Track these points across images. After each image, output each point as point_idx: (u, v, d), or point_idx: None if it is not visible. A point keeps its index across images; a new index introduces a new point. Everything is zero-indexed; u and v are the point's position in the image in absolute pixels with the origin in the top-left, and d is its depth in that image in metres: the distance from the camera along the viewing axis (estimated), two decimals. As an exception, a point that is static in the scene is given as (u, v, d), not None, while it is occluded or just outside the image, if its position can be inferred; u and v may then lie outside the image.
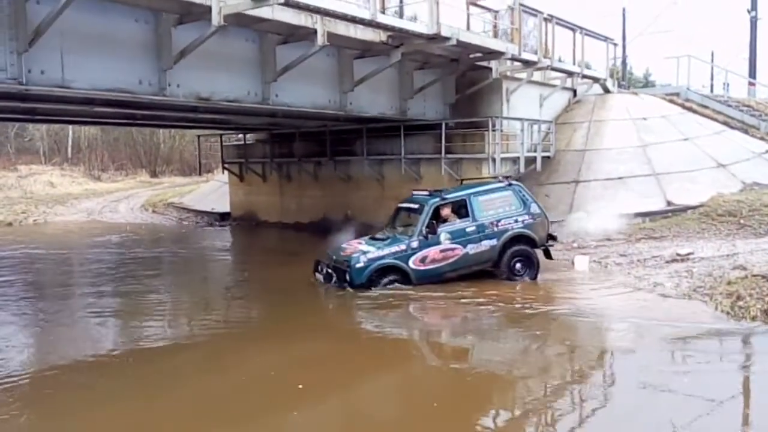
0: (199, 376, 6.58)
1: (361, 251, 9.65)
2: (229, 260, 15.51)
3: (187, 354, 7.36)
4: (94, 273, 12.61)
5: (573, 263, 11.26)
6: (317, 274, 10.19)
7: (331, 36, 9.87)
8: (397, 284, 9.53)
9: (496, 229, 10.03)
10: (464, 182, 11.43)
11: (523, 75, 14.90)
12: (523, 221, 10.22)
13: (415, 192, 10.95)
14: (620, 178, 14.70)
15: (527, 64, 14.27)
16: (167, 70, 9.26)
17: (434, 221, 9.74)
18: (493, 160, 14.18)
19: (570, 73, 16.68)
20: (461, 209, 10.09)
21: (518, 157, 14.87)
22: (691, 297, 8.75)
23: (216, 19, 8.17)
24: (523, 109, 15.49)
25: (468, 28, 13.92)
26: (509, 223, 10.12)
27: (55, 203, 24.71)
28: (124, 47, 8.85)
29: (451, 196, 10.19)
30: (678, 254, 10.94)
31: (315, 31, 9.66)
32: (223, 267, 14.44)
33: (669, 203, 13.86)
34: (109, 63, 8.73)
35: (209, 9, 8.17)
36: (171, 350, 7.53)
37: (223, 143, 21.23)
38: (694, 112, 17.73)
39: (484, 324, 8.20)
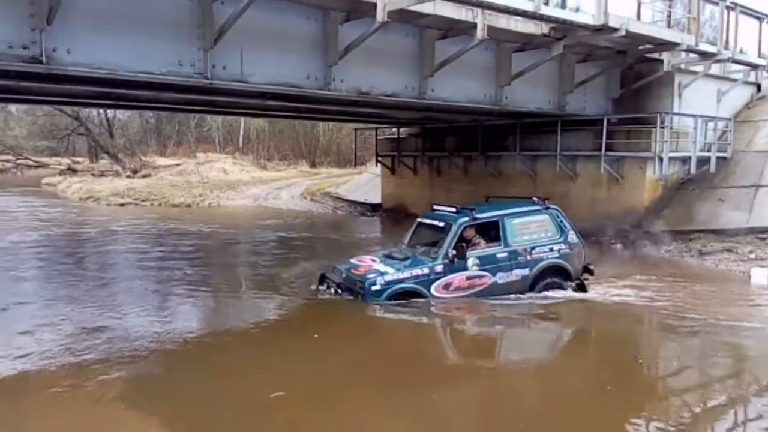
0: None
1: (378, 272, 8.43)
2: (374, 248, 15.92)
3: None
4: (254, 250, 13.72)
5: (749, 275, 10.18)
6: (322, 289, 9.06)
7: (491, 29, 9.77)
8: None
9: (529, 257, 8.83)
10: (490, 199, 10.26)
11: (699, 68, 13.68)
12: (559, 250, 9.02)
13: (437, 207, 9.58)
14: (812, 183, 13.00)
15: (704, 56, 13.05)
16: (332, 65, 9.75)
17: (463, 243, 8.53)
18: (660, 159, 13.22)
19: (754, 66, 15.02)
20: (491, 231, 8.86)
21: (689, 157, 13.74)
22: None
23: (380, 16, 8.44)
24: (696, 104, 14.23)
25: (638, 17, 13.03)
26: (544, 252, 8.93)
27: (227, 188, 27.08)
28: (295, 44, 9.45)
29: (483, 215, 8.87)
30: None
31: (475, 25, 9.64)
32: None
33: None
34: (281, 59, 9.38)
35: (374, 6, 8.45)
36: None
37: (378, 137, 21.90)
38: None
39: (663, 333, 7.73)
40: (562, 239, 9.07)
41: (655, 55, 13.01)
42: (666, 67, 13.21)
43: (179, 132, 43.06)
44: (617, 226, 13.80)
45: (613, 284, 9.71)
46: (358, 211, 22.27)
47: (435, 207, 9.60)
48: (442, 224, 8.89)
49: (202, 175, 31.20)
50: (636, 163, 13.68)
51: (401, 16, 9.40)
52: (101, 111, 37.03)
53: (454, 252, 8.37)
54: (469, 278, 8.50)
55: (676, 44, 11.92)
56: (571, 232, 9.18)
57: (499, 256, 8.68)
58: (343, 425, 5.07)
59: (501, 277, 8.66)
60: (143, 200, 23.72)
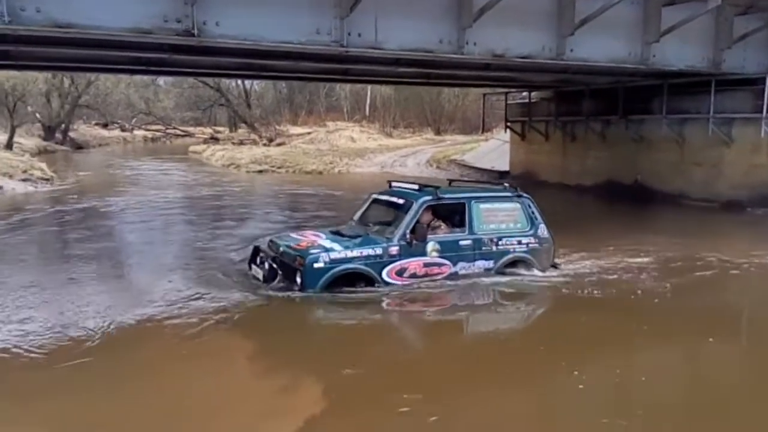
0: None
1: (323, 247, 7.29)
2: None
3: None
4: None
5: None
6: (254, 267, 7.79)
7: (640, -19, 9.05)
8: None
9: (494, 248, 7.87)
10: (453, 183, 9.17)
11: None
12: (527, 244, 8.05)
13: (396, 184, 8.65)
14: None
15: None
16: (466, 28, 9.51)
17: (425, 225, 7.55)
18: (835, 121, 11.70)
19: None
20: (455, 216, 7.93)
21: None
22: None
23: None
24: None
25: (814, -41, 11.46)
26: (511, 244, 7.97)
27: (355, 156, 27.73)
28: (428, 8, 9.31)
29: (448, 196, 7.96)
30: None
31: (622, -23, 8.96)
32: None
33: None
34: (414, 24, 9.30)
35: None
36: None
37: (507, 101, 21.28)
38: None
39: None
40: (532, 232, 8.12)
41: (835, 2, 11.42)
42: None
43: (310, 101, 44.57)
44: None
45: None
46: (485, 178, 21.81)
47: (393, 183, 8.69)
48: (401, 201, 7.91)
49: (331, 143, 32.14)
50: (805, 126, 12.22)
51: (540, -28, 8.95)
52: (239, 83, 39.19)
53: (413, 234, 7.41)
54: (426, 265, 7.53)
55: None
56: (542, 225, 8.20)
57: (461, 243, 7.73)
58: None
59: (462, 268, 7.71)
60: (278, 167, 24.89)
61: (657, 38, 11.03)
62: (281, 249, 7.49)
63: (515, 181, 19.91)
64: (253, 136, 36.20)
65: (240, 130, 41.30)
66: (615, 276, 8.16)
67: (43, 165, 20.69)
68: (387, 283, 7.23)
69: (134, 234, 11.76)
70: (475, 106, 35.49)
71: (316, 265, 6.98)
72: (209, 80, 35.35)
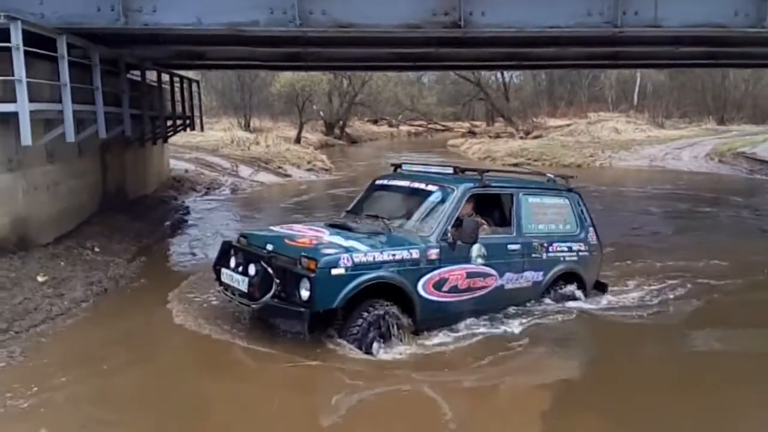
0: None
1: (339, 246, 5.13)
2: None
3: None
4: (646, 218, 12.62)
5: None
6: (228, 272, 5.43)
7: None
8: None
9: (544, 255, 6.15)
10: (466, 172, 6.35)
11: None
12: (577, 252, 6.42)
13: (408, 166, 6.65)
14: None
15: None
16: (773, -5, 8.02)
17: (474, 220, 5.53)
18: None
19: None
20: (496, 211, 6.21)
21: None
22: None
23: None
24: None
25: None
26: (561, 251, 6.30)
27: (619, 148, 25.75)
28: (722, -25, 8.09)
29: (496, 184, 6.17)
30: None
31: None
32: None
33: None
34: (702, -4, 8.17)
35: None
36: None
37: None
38: None
39: None
40: (582, 236, 6.52)
41: None
42: None
43: (570, 92, 42.77)
44: None
45: None
46: (781, 175, 18.66)
47: (405, 165, 6.70)
48: (431, 188, 5.88)
49: (592, 135, 30.34)
50: None
51: None
52: (498, 76, 39.34)
53: (455, 230, 5.42)
54: (469, 275, 5.59)
55: None
56: (591, 228, 6.63)
57: (510, 247, 5.91)
58: None
59: (509, 280, 5.91)
60: (535, 160, 24.23)
61: None
62: (270, 247, 5.27)
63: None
64: (510, 129, 35.97)
65: (497, 124, 41.43)
66: None
67: (324, 157, 23.24)
68: (422, 298, 5.28)
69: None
70: (769, 92, 30.46)
71: (335, 272, 4.84)
72: (470, 75, 36.00)
